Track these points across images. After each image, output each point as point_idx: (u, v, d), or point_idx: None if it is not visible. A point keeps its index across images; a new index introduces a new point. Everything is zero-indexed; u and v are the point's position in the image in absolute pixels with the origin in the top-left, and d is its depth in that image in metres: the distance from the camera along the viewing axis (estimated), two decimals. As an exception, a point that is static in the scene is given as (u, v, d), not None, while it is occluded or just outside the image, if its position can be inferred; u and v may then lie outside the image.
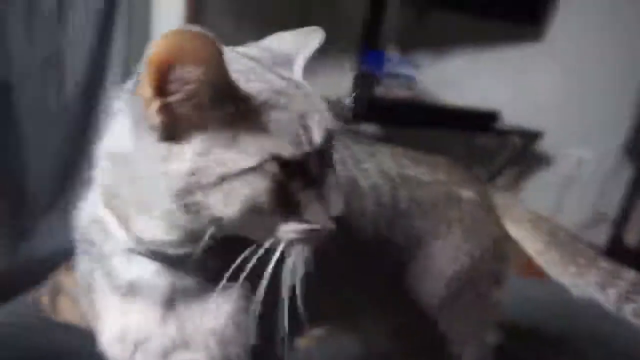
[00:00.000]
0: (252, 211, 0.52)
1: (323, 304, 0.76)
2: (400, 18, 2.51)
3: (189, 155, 0.51)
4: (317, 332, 1.06)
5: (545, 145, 2.54)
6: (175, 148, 0.52)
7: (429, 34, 2.49)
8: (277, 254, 0.55)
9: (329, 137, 0.56)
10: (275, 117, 0.53)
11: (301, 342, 0.79)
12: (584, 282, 0.86)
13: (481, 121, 2.28)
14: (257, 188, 0.52)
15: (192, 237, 0.56)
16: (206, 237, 0.55)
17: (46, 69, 1.62)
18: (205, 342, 0.63)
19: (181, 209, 0.53)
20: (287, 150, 0.52)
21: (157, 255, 0.60)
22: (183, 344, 0.63)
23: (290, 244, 0.55)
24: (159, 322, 0.62)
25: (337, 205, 0.56)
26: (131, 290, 0.62)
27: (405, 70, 2.29)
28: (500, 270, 0.93)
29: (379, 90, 2.24)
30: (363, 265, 0.82)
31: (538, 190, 2.60)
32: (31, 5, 1.51)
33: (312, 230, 0.56)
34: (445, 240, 0.87)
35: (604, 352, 1.64)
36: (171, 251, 0.58)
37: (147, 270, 0.61)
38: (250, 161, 0.51)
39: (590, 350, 1.64)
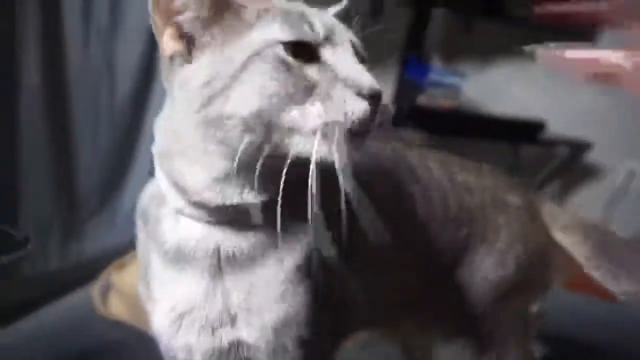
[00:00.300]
0: (271, 101, 0.53)
1: (369, 307, 0.76)
2: (445, 27, 2.50)
3: (202, 68, 0.55)
4: (361, 336, 1.05)
5: (594, 156, 2.48)
6: (191, 68, 0.56)
7: (474, 43, 2.48)
8: (316, 143, 0.53)
9: (341, 32, 0.59)
10: (274, 18, 0.56)
11: (346, 344, 0.79)
12: (635, 288, 0.83)
13: (527, 131, 2.24)
14: (265, 73, 0.53)
15: (228, 163, 0.56)
16: (239, 152, 0.54)
17: (99, 74, 1.69)
18: (248, 321, 0.62)
19: (208, 128, 0.55)
20: (287, 34, 0.54)
21: (201, 209, 0.60)
22: (229, 320, 0.62)
23: (326, 134, 0.53)
24: (205, 292, 0.62)
25: (368, 83, 0.54)
26: (179, 256, 0.62)
27: (449, 79, 2.27)
28: (545, 278, 0.92)
29: (422, 99, 2.23)
30: (409, 269, 0.82)
31: (586, 204, 2.52)
32: (87, 12, 1.58)
33: (343, 114, 0.53)
34: (491, 246, 0.86)
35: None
36: (213, 200, 0.59)
37: (194, 232, 0.61)
38: (253, 49, 0.54)
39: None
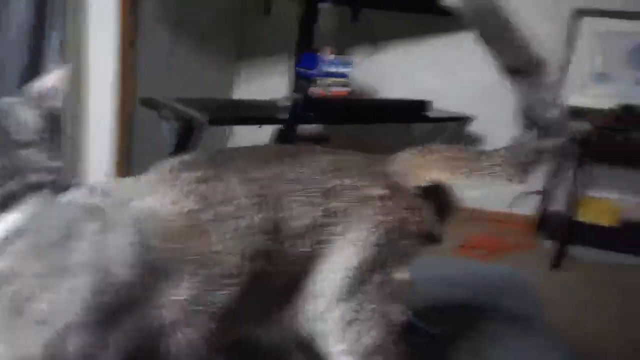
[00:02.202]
0: None
1: None
2: (333, 18, 2.61)
3: None
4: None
5: (477, 127, 2.68)
6: None
7: (361, 32, 2.60)
8: None
9: None
10: None
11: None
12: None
13: (412, 111, 2.38)
14: None
15: None
16: None
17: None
18: None
19: None
20: None
21: None
22: None
23: None
24: None
25: None
26: None
27: (338, 68, 2.38)
28: (406, 251, 0.98)
29: (315, 91, 2.34)
30: None
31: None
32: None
33: None
34: (354, 236, 0.93)
35: (519, 332, 1.74)
36: None
37: None
38: None
39: (506, 329, 1.74)
